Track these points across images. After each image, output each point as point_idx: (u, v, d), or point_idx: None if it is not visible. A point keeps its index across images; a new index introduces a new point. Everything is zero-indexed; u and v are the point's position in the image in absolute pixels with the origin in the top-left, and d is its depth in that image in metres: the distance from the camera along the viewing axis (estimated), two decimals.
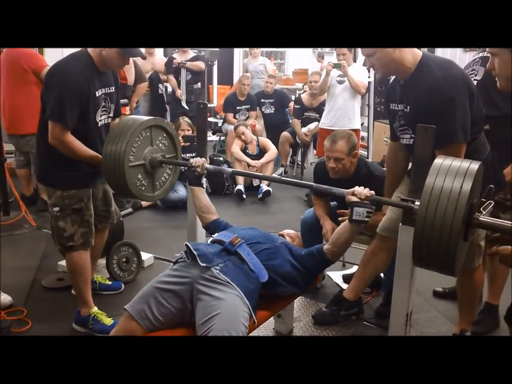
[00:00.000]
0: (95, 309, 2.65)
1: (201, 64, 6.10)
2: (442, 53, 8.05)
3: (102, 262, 3.19)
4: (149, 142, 2.45)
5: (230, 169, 2.79)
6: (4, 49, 4.27)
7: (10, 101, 4.16)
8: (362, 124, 5.78)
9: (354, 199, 2.00)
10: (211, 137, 7.08)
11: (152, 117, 2.51)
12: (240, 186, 5.19)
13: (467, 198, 1.54)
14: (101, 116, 2.48)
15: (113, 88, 2.54)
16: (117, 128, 2.38)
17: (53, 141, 2.35)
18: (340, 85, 4.96)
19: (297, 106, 6.03)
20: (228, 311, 1.84)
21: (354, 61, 5.45)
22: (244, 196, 5.17)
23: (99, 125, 2.49)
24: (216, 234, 2.23)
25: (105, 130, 2.53)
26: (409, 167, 2.44)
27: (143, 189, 2.46)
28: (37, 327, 2.65)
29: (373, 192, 2.02)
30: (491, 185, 1.66)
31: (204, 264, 1.95)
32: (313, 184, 2.44)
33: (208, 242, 2.19)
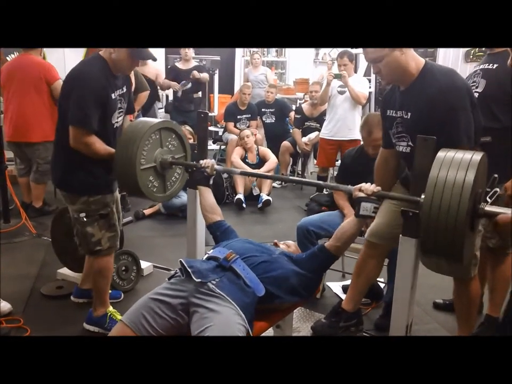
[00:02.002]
0: (111, 308, 2.69)
1: (207, 76, 6.32)
2: (443, 63, 8.13)
3: None
4: (158, 144, 2.49)
5: (239, 170, 2.83)
6: (8, 59, 4.30)
7: (20, 108, 4.16)
8: None
9: (361, 194, 2.03)
10: (211, 146, 7.10)
11: (161, 120, 2.55)
12: (240, 196, 5.19)
13: (471, 188, 1.58)
14: (117, 118, 2.51)
15: (125, 88, 2.56)
16: (127, 132, 2.42)
17: (77, 144, 2.35)
18: (340, 95, 4.99)
19: (298, 116, 6.05)
20: (222, 323, 1.82)
21: (355, 72, 5.47)
22: (244, 205, 5.17)
23: (115, 127, 2.51)
24: (211, 251, 2.21)
25: (120, 132, 2.56)
26: (403, 175, 2.43)
27: (154, 190, 2.52)
28: (35, 335, 2.63)
29: (379, 187, 2.05)
30: (495, 175, 1.69)
31: (199, 280, 1.94)
32: (321, 182, 2.45)
33: (203, 259, 2.19)
